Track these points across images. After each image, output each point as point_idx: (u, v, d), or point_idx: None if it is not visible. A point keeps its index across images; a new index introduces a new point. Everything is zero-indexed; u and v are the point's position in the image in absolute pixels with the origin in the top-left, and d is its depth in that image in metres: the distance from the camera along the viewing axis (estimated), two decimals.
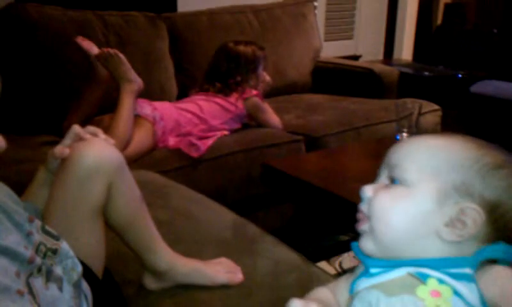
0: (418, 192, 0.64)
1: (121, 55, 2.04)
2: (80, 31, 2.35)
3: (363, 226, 0.67)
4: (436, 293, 0.59)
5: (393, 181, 0.67)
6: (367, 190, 0.68)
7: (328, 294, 0.72)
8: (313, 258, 1.34)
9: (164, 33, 2.66)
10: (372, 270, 0.65)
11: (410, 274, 0.62)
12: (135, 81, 2.06)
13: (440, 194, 0.63)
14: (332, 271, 2.01)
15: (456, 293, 0.59)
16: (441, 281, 0.60)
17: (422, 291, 0.60)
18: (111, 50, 2.03)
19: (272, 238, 1.34)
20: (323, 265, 2.04)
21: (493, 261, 0.63)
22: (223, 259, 1.17)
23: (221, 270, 1.13)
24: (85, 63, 2.09)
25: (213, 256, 1.19)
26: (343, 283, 0.72)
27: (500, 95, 3.26)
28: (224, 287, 1.12)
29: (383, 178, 0.69)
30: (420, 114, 1.89)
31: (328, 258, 2.11)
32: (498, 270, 0.62)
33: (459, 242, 0.62)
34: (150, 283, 1.10)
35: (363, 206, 0.68)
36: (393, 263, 0.64)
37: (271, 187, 2.07)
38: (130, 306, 1.06)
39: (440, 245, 0.63)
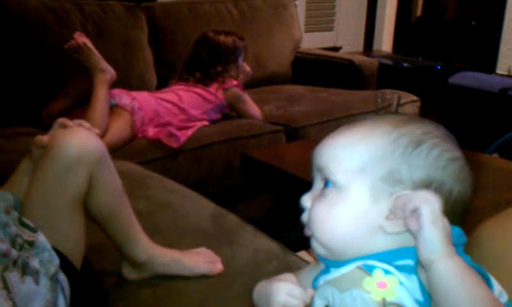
0: (350, 195, 0.63)
1: (91, 46, 2.02)
2: (59, 21, 2.32)
3: (308, 233, 0.66)
4: (383, 285, 0.58)
5: (326, 183, 0.65)
6: (305, 201, 0.67)
7: (293, 279, 0.72)
8: (293, 247, 1.34)
9: (143, 23, 2.63)
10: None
11: (358, 267, 0.61)
12: (107, 71, 2.04)
13: (372, 190, 0.62)
14: (312, 260, 2.02)
15: (401, 283, 0.58)
16: (387, 272, 0.59)
17: (369, 283, 0.59)
18: (80, 42, 2.01)
19: (251, 227, 1.35)
20: (303, 254, 2.05)
21: None
22: (203, 250, 1.17)
23: (201, 260, 1.13)
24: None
25: (192, 247, 1.19)
26: (306, 273, 0.72)
27: (477, 86, 3.31)
28: (204, 277, 1.12)
29: (318, 181, 0.67)
30: (399, 105, 1.91)
31: (307, 247, 2.11)
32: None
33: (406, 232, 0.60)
34: (129, 273, 1.10)
35: (304, 217, 0.67)
36: (347, 263, 0.63)
37: (251, 177, 2.07)
38: (109, 296, 1.05)
39: (388, 238, 0.61)
